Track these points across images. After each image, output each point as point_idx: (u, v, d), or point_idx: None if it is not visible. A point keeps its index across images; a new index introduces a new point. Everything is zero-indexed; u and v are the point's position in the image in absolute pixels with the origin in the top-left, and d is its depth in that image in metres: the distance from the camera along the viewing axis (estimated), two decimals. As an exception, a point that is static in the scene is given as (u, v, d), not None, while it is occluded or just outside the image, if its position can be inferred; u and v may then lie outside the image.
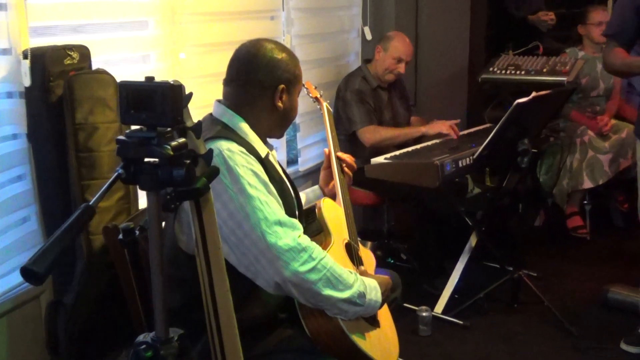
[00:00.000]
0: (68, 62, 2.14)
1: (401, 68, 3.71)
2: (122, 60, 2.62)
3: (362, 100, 3.63)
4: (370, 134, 3.57)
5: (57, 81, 2.11)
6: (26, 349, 2.26)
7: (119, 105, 1.02)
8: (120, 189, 2.17)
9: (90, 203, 1.00)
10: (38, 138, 2.14)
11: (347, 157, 2.32)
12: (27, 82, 2.09)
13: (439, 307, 3.41)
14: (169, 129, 1.01)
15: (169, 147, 0.99)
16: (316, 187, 2.38)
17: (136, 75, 2.61)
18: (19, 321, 2.22)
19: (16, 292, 2.21)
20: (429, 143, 3.57)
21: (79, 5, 2.38)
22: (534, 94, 3.08)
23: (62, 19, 2.35)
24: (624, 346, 3.08)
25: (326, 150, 2.35)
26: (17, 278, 2.23)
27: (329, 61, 3.96)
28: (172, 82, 1.02)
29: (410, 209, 3.71)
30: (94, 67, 2.26)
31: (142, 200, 2.36)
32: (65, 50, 2.15)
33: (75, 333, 2.07)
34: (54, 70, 2.10)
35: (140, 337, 1.12)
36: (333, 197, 2.30)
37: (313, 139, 3.91)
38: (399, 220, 4.01)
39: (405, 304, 3.25)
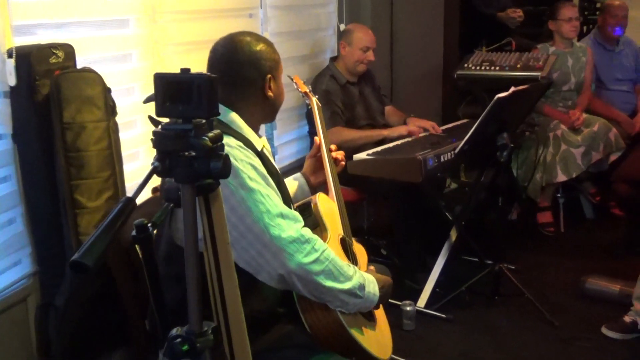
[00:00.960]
0: (53, 60, 2.10)
1: (370, 56, 3.76)
2: (104, 58, 2.59)
3: (328, 101, 3.64)
4: (333, 135, 3.57)
5: (43, 80, 2.08)
6: (13, 353, 2.22)
7: (155, 97, 1.00)
8: (110, 188, 2.14)
9: (130, 196, 0.99)
10: (24, 138, 2.10)
11: (340, 154, 2.32)
12: (12, 81, 2.05)
13: (422, 302, 3.43)
14: (203, 120, 1.00)
15: (207, 139, 0.98)
16: (299, 174, 2.34)
17: (118, 74, 2.59)
18: (6, 325, 2.18)
19: (2, 296, 2.17)
20: (410, 139, 3.59)
21: (61, 4, 2.34)
22: (512, 88, 3.12)
23: (44, 18, 2.31)
24: (605, 331, 3.14)
25: (317, 139, 2.34)
26: (3, 281, 2.19)
27: (306, 58, 3.97)
28: (208, 74, 1.01)
29: (391, 205, 3.72)
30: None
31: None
32: (50, 48, 2.12)
33: (68, 335, 2.04)
34: (40, 69, 2.07)
35: (173, 332, 1.11)
36: (319, 186, 2.30)
37: (290, 137, 3.91)
38: (379, 217, 4.04)
39: (389, 300, 3.27)
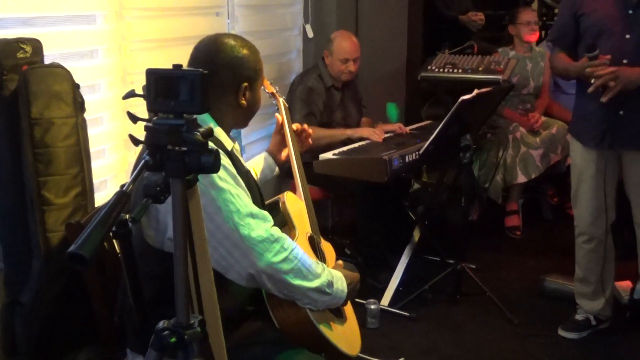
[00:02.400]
0: (21, 55, 2.08)
1: (350, 67, 3.77)
2: (70, 54, 2.57)
3: (309, 99, 3.67)
4: None
5: (10, 75, 2.05)
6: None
7: (146, 92, 1.01)
8: (78, 185, 2.13)
9: (124, 189, 1.00)
10: (-10, 134, 2.07)
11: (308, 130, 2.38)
12: (-22, 76, 2.02)
13: (385, 300, 3.48)
14: (194, 116, 1.01)
15: (198, 133, 0.99)
16: (265, 153, 2.37)
17: (84, 70, 2.57)
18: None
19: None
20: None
21: (28, -2, 2.32)
22: (476, 91, 3.19)
23: (11, 12, 2.29)
24: (562, 332, 3.24)
25: (277, 115, 2.38)
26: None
27: (272, 58, 3.98)
28: (200, 70, 1.02)
29: (355, 204, 3.76)
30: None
31: (98, 197, 2.32)
32: (18, 43, 2.08)
33: (35, 332, 2.01)
34: (7, 64, 2.04)
35: (160, 324, 1.12)
36: (286, 162, 2.33)
37: (257, 135, 3.92)
38: (342, 216, 4.07)
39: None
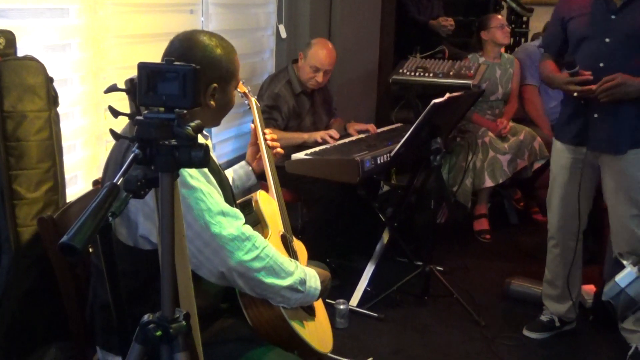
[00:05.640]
0: (-6, 47, 2.05)
1: (319, 77, 3.70)
2: (43, 47, 2.53)
3: (274, 106, 3.65)
4: None
5: (-17, 67, 2.02)
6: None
7: (138, 86, 1.00)
8: (50, 180, 2.10)
9: (114, 181, 0.99)
10: (-40, 126, 2.04)
11: (274, 142, 2.40)
12: (-50, 67, 1.99)
13: (354, 301, 3.50)
14: (185, 111, 1.01)
15: (189, 128, 0.99)
16: (243, 162, 2.41)
17: (57, 64, 2.54)
18: None
19: None
20: (346, 140, 3.65)
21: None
22: (448, 95, 3.23)
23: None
24: (526, 332, 3.30)
25: (252, 125, 2.41)
26: None
27: (244, 58, 3.93)
28: (192, 65, 1.02)
29: (325, 205, 3.77)
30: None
31: (69, 192, 2.30)
32: (-10, 35, 2.06)
33: (4, 328, 1.98)
34: (-21, 56, 2.01)
35: (145, 318, 1.11)
36: (262, 172, 2.36)
37: (228, 134, 3.91)
38: (312, 217, 4.07)
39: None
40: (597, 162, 2.98)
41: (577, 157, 2.99)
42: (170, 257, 1.13)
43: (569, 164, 3.02)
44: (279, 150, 2.43)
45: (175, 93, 0.99)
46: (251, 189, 2.30)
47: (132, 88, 1.15)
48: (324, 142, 3.61)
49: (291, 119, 3.74)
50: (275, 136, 2.43)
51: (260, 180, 2.37)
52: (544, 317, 3.32)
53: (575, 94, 2.82)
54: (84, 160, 2.69)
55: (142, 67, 1.01)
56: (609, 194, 2.98)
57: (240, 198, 2.17)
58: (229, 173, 2.37)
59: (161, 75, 1.00)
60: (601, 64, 2.81)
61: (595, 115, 2.87)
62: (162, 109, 1.00)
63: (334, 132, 3.68)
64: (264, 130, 2.40)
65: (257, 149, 2.37)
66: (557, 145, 3.10)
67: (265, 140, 2.37)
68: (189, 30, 1.90)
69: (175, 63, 1.01)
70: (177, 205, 1.27)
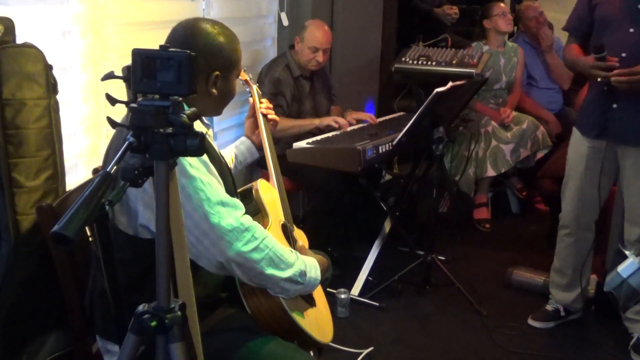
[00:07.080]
0: (-8, 34, 2.03)
1: (319, 57, 3.72)
2: (43, 35, 2.51)
3: (276, 91, 3.64)
4: None
5: (-19, 54, 2.00)
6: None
7: (132, 72, 0.99)
8: (49, 168, 2.09)
9: (107, 169, 0.98)
10: (-42, 114, 2.02)
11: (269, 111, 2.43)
12: (-52, 54, 1.97)
13: (355, 290, 3.50)
14: (180, 98, 0.99)
15: (185, 116, 0.98)
16: (243, 137, 2.41)
17: (57, 51, 2.52)
18: None
19: None
20: (348, 130, 3.64)
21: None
22: (450, 83, 3.21)
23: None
24: (531, 322, 3.30)
25: (250, 99, 2.43)
26: None
27: (246, 45, 3.92)
28: (188, 51, 1.00)
29: (327, 194, 3.76)
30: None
31: (69, 180, 2.29)
32: (-11, 22, 2.04)
33: (3, 317, 1.98)
34: (-22, 43, 1.99)
35: (140, 308, 1.10)
36: (260, 144, 2.37)
37: (229, 123, 3.89)
38: (314, 207, 4.06)
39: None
40: (615, 155, 2.95)
41: (595, 146, 2.96)
42: (166, 246, 1.12)
43: (586, 153, 3.00)
44: (275, 117, 2.44)
45: (171, 80, 0.98)
46: (247, 174, 2.30)
47: (129, 75, 1.14)
48: (336, 127, 3.62)
49: (293, 103, 3.73)
50: (270, 105, 2.46)
51: (262, 169, 2.37)
52: (549, 307, 3.31)
53: (599, 79, 2.79)
54: (85, 149, 2.68)
55: (137, 53, 1.00)
56: (627, 183, 2.95)
57: (244, 175, 2.17)
58: (231, 150, 2.38)
59: (156, 61, 0.98)
60: (623, 54, 2.77)
61: (614, 106, 2.84)
62: (157, 96, 0.99)
63: (342, 120, 3.68)
64: (265, 117, 2.40)
65: (255, 122, 2.38)
66: (577, 134, 3.07)
67: (264, 115, 2.39)
68: (191, 18, 1.89)
69: (171, 49, 1.00)
70: (174, 194, 1.26)
